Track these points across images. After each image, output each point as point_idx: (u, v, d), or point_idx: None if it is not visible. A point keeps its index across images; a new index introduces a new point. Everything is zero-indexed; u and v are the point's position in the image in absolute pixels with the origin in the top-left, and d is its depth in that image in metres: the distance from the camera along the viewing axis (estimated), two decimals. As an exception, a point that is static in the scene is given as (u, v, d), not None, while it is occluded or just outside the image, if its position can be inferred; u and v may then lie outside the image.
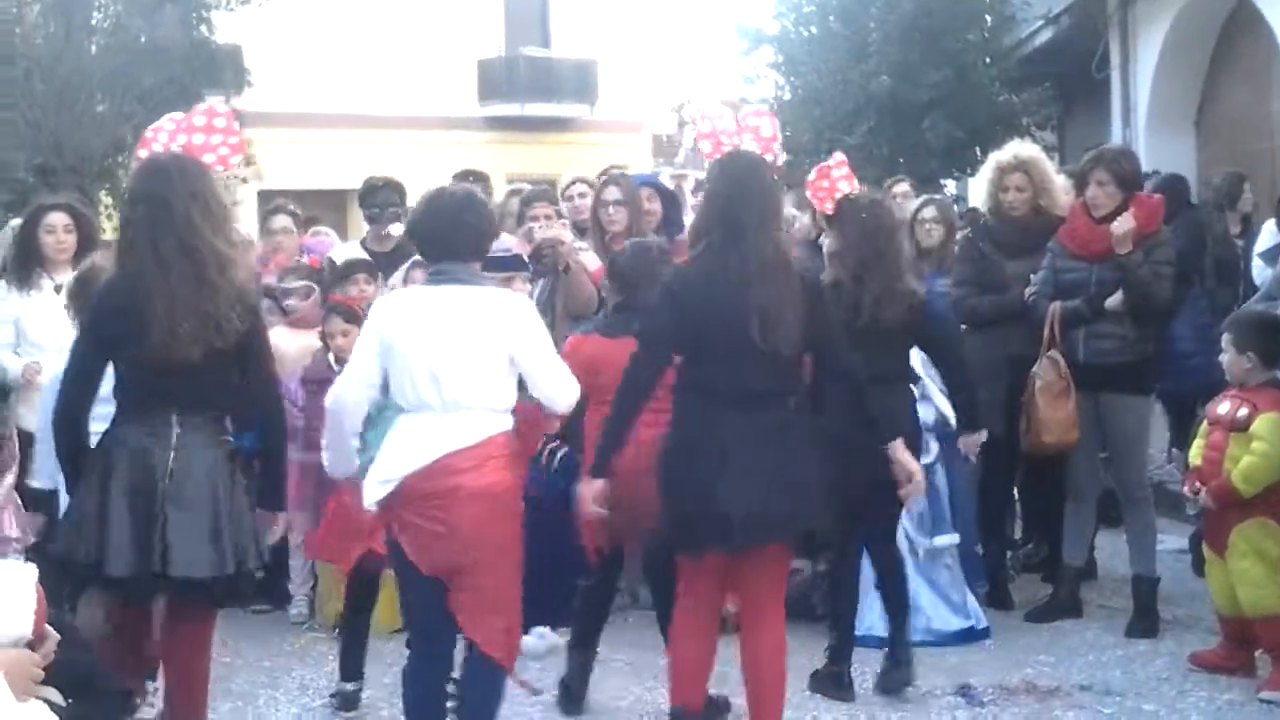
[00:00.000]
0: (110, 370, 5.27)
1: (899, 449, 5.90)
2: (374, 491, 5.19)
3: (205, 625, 5.50)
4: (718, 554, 5.42)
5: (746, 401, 5.36)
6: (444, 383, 5.13)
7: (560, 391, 5.38)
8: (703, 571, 5.49)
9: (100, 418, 5.31)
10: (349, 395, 5.38)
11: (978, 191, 19.30)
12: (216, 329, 5.17)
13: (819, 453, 5.47)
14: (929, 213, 8.38)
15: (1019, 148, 8.18)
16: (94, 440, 5.28)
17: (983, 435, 6.96)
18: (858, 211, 6.50)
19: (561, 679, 6.49)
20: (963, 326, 7.99)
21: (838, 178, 6.57)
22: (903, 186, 9.03)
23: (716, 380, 5.40)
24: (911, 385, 6.78)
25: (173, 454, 5.13)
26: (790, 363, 5.45)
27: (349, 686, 6.48)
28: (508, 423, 5.24)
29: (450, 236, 5.31)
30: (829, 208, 6.60)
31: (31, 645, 3.66)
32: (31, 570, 3.77)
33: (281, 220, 8.93)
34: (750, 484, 5.26)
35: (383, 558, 5.74)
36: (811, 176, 6.91)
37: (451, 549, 5.08)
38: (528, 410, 5.51)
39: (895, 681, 6.53)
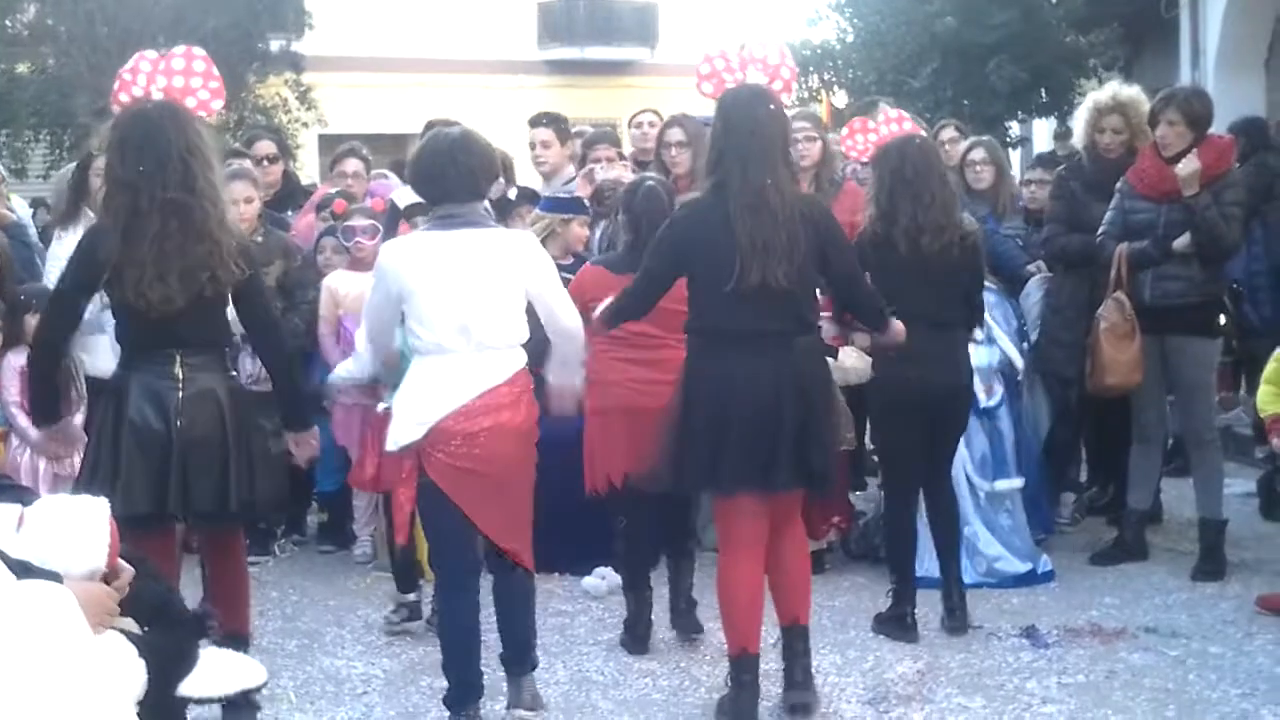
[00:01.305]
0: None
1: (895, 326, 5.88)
2: (408, 432, 5.25)
3: (234, 542, 5.76)
4: (721, 495, 5.51)
5: (746, 342, 5.34)
6: (473, 326, 5.19)
7: (568, 320, 5.49)
8: (738, 511, 5.49)
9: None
10: (377, 339, 5.59)
11: (1043, 134, 19.20)
12: (211, 279, 5.30)
13: (826, 396, 5.52)
14: (977, 154, 8.23)
15: (1117, 88, 8.01)
16: None
17: None
18: (887, 151, 6.47)
19: (624, 620, 6.54)
20: (1040, 269, 7.99)
21: (891, 133, 6.54)
22: (949, 131, 8.93)
23: (715, 321, 5.41)
24: (972, 329, 6.74)
25: (180, 394, 5.27)
26: (795, 302, 5.40)
27: (410, 597, 6.71)
28: (524, 358, 5.36)
29: (447, 176, 5.33)
30: (867, 157, 6.59)
31: (106, 579, 3.71)
32: (104, 505, 3.81)
33: (354, 164, 8.93)
34: (750, 431, 5.30)
35: None
36: (844, 131, 6.89)
37: (488, 481, 5.20)
38: None
39: (953, 626, 6.54)
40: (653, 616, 6.53)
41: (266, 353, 5.76)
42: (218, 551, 5.72)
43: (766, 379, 5.32)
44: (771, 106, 5.49)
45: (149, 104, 5.36)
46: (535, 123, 8.83)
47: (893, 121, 6.65)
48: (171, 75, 5.39)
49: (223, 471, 5.30)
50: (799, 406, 5.34)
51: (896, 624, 6.54)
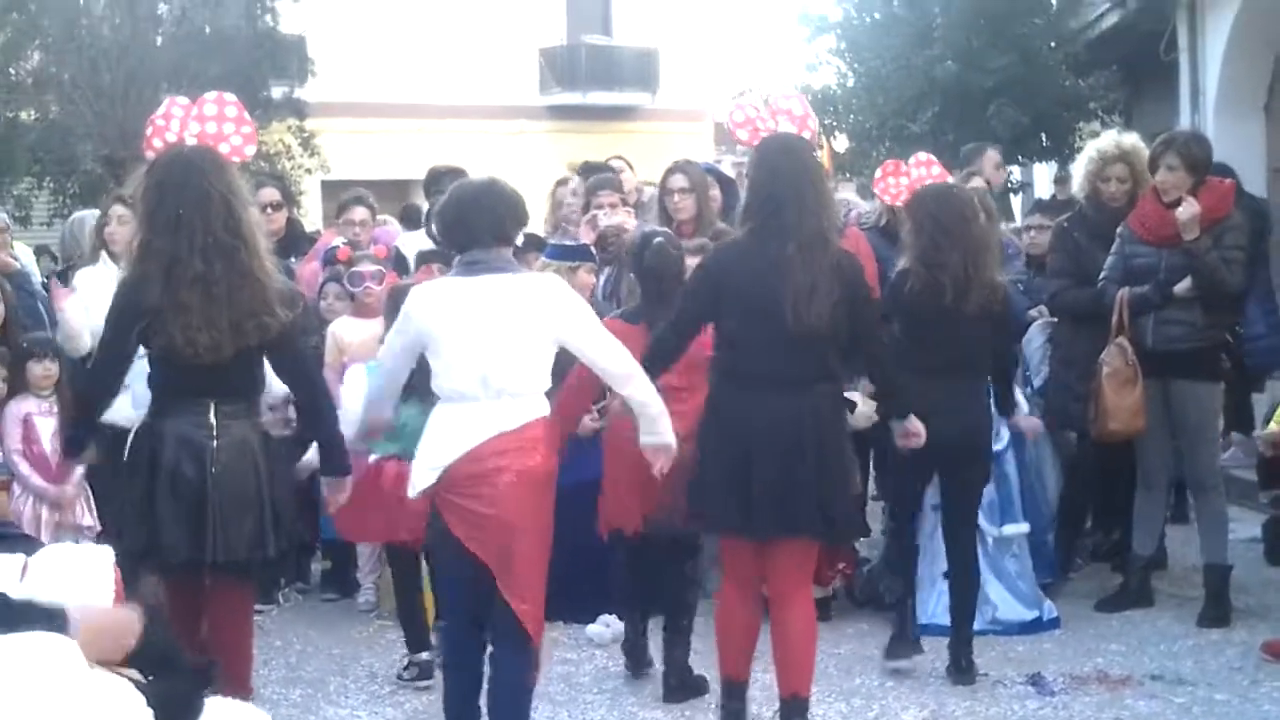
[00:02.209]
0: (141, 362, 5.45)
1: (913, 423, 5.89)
2: (422, 478, 5.25)
3: (246, 593, 5.71)
4: (742, 538, 5.56)
5: (773, 387, 5.41)
6: (492, 374, 5.18)
7: (617, 361, 5.38)
8: (740, 550, 5.61)
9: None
10: (385, 384, 5.54)
11: (1043, 178, 19.25)
12: (258, 326, 5.29)
13: (844, 445, 5.60)
14: None
15: (1120, 137, 8.00)
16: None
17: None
18: (927, 198, 6.49)
19: (622, 645, 6.72)
20: (1041, 315, 7.99)
21: (920, 176, 6.58)
22: (993, 155, 8.84)
23: (745, 365, 5.48)
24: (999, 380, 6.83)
25: (215, 442, 5.27)
26: (822, 348, 5.49)
27: (423, 656, 6.63)
28: (546, 407, 5.32)
29: (473, 223, 5.34)
30: (901, 201, 6.61)
31: None
32: (108, 553, 3.80)
33: (361, 212, 8.97)
34: (772, 476, 5.36)
35: (412, 543, 5.96)
36: (878, 174, 6.90)
37: (496, 528, 5.14)
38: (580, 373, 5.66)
39: (958, 679, 6.51)
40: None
41: (308, 398, 5.65)
42: (228, 602, 5.61)
43: (787, 423, 5.39)
44: (815, 154, 5.64)
45: (185, 148, 5.37)
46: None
47: (922, 165, 6.69)
48: (204, 121, 5.41)
49: (258, 519, 5.31)
50: (817, 453, 5.41)
51: (903, 643, 6.60)
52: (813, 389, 5.47)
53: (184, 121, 5.40)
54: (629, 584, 6.68)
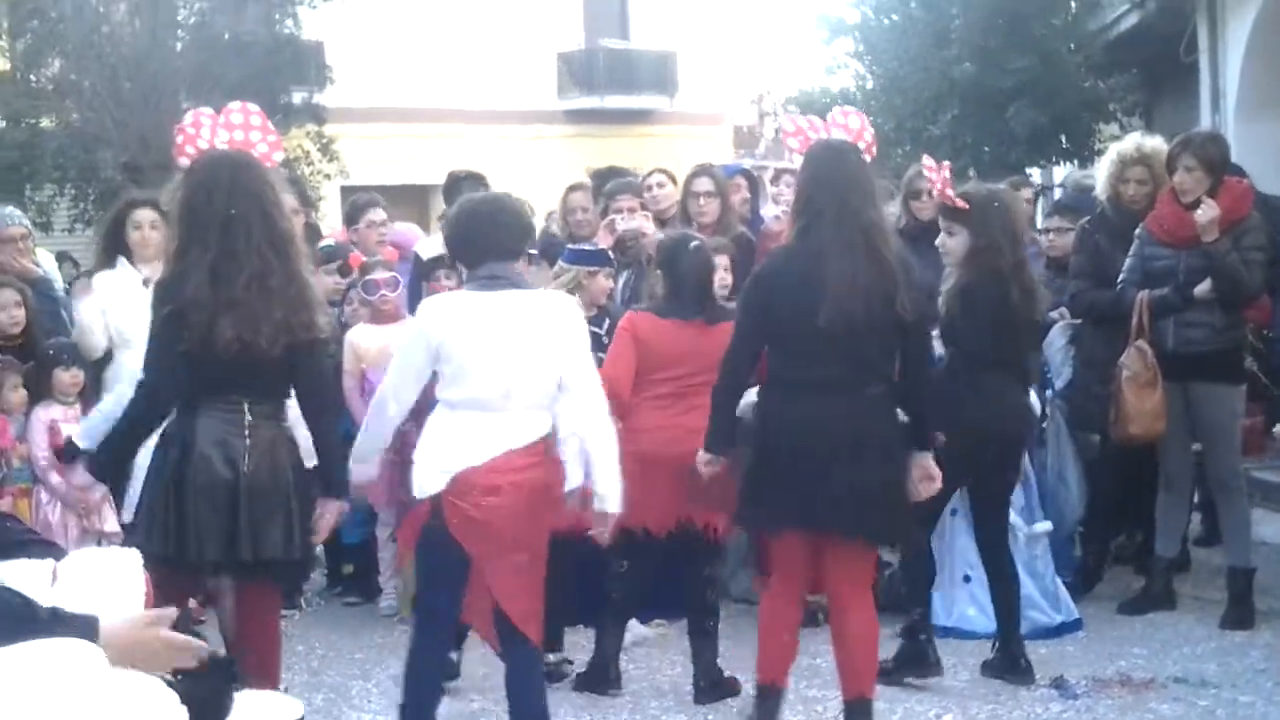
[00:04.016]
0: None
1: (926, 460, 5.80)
2: (431, 480, 5.26)
3: (274, 594, 5.71)
4: (796, 535, 5.59)
5: (821, 391, 5.44)
6: (515, 388, 5.24)
7: (596, 404, 5.44)
8: (794, 550, 5.62)
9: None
10: (401, 395, 5.46)
11: (1060, 178, 19.20)
12: (305, 325, 5.30)
13: (897, 449, 5.59)
14: None
15: (1141, 139, 8.00)
16: None
17: None
18: (990, 202, 6.49)
19: (590, 661, 6.63)
20: (1063, 316, 7.98)
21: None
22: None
23: (793, 370, 5.50)
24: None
25: (247, 441, 5.25)
26: (871, 351, 5.50)
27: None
28: (550, 421, 5.37)
29: (486, 238, 5.39)
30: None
31: None
32: (137, 556, 3.80)
33: (380, 213, 9.01)
34: (829, 474, 5.39)
35: None
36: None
37: (500, 536, 5.19)
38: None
39: (1017, 680, 6.50)
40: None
41: (316, 412, 5.56)
42: (257, 603, 5.60)
43: (840, 425, 5.43)
44: (864, 156, 5.66)
45: (227, 151, 5.39)
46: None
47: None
48: (232, 129, 5.44)
49: (287, 520, 5.30)
50: (872, 455, 5.46)
51: (918, 662, 6.53)
52: (862, 392, 5.47)
53: (213, 129, 5.43)
54: (629, 592, 6.59)
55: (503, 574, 5.25)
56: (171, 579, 5.28)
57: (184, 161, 5.44)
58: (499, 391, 5.22)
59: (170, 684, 3.61)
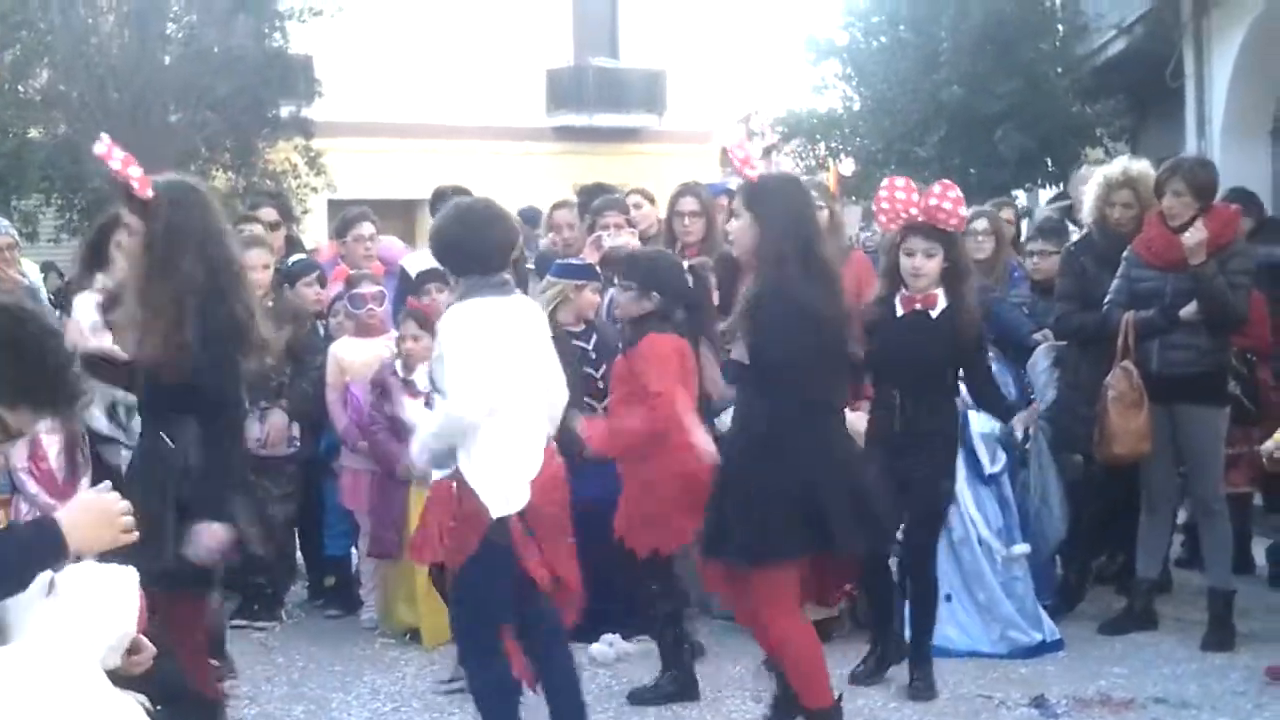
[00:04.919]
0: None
1: None
2: (510, 496, 5.25)
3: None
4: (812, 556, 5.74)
5: (827, 412, 5.64)
6: (539, 386, 5.41)
7: (563, 395, 5.63)
8: (793, 575, 5.68)
9: None
10: (477, 409, 5.24)
11: (1046, 201, 19.25)
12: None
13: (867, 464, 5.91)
14: (980, 224, 8.26)
15: (1127, 163, 8.00)
16: None
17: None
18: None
19: (674, 679, 6.59)
20: (1046, 338, 8.01)
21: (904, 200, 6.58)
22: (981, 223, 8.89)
23: (812, 391, 5.54)
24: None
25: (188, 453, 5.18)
26: (848, 375, 5.85)
27: None
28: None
29: (483, 244, 5.41)
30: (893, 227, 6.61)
31: (130, 650, 3.69)
32: (133, 573, 3.79)
33: (370, 227, 9.01)
34: (838, 492, 5.52)
35: None
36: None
37: (564, 524, 5.47)
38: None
39: (913, 693, 6.56)
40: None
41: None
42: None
43: (840, 445, 5.67)
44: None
45: (181, 178, 5.50)
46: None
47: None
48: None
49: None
50: (858, 470, 5.71)
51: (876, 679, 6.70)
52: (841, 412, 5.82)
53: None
54: (674, 618, 6.61)
55: (564, 556, 5.40)
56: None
57: (134, 184, 5.44)
58: (535, 391, 5.37)
59: (150, 713, 3.62)
